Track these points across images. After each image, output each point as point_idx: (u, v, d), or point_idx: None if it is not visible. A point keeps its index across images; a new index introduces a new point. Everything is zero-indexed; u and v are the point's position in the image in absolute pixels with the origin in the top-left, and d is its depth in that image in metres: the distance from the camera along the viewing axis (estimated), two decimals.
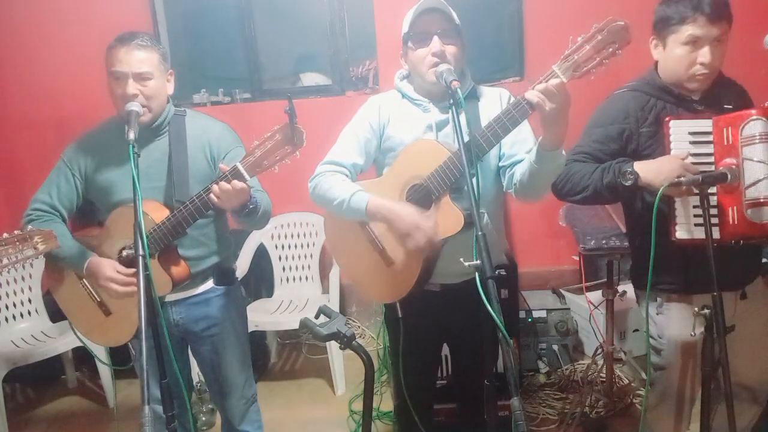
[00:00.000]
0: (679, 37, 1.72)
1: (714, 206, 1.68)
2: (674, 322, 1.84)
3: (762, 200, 1.61)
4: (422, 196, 1.69)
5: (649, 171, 1.68)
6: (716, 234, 1.66)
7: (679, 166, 1.64)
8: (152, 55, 1.80)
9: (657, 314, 1.89)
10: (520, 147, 1.74)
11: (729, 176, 1.60)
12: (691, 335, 1.74)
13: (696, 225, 1.69)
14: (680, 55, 1.73)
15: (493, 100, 1.81)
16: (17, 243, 1.63)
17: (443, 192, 1.65)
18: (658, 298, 1.87)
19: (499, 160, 1.80)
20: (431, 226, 1.62)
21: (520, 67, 3.54)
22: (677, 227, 1.72)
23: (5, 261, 1.64)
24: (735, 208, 1.65)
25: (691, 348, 1.83)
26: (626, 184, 1.69)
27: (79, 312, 1.94)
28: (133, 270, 1.71)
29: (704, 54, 1.70)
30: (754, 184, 1.61)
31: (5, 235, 1.63)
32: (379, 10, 3.46)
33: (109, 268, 1.79)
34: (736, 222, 1.64)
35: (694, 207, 1.69)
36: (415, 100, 1.82)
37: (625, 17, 1.41)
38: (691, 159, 1.69)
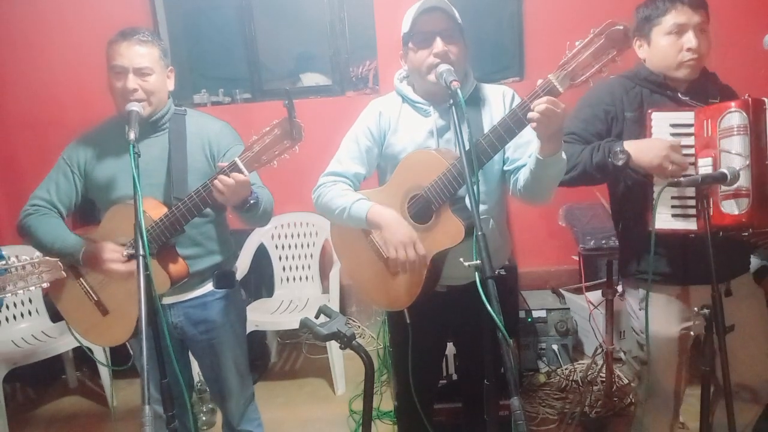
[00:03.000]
0: (662, 27, 1.74)
1: (692, 197, 1.69)
2: (656, 316, 1.85)
3: (736, 191, 1.62)
4: (423, 207, 1.69)
5: (639, 150, 1.68)
6: (693, 225, 1.69)
7: (667, 147, 1.65)
8: (153, 51, 1.80)
9: (639, 309, 1.90)
10: (524, 150, 1.73)
11: (729, 176, 1.60)
12: (685, 330, 1.75)
13: (673, 216, 1.71)
14: (666, 44, 1.75)
15: (496, 101, 1.80)
16: (23, 271, 1.63)
17: (443, 203, 1.64)
18: (640, 289, 1.88)
19: (503, 165, 1.79)
20: (421, 247, 1.63)
21: (520, 67, 3.54)
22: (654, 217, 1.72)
23: (9, 287, 1.64)
24: (711, 199, 1.65)
25: (674, 342, 1.85)
26: (618, 163, 1.68)
27: (76, 311, 1.93)
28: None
29: (689, 39, 1.72)
30: None
31: (13, 260, 1.63)
32: (379, 10, 3.46)
33: (107, 250, 1.76)
34: (712, 213, 1.65)
35: (672, 198, 1.71)
36: (415, 103, 1.80)
37: (624, 17, 1.40)
38: None
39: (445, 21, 1.68)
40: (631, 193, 1.82)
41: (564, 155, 1.58)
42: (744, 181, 1.61)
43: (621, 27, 1.36)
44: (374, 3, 3.46)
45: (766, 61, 2.68)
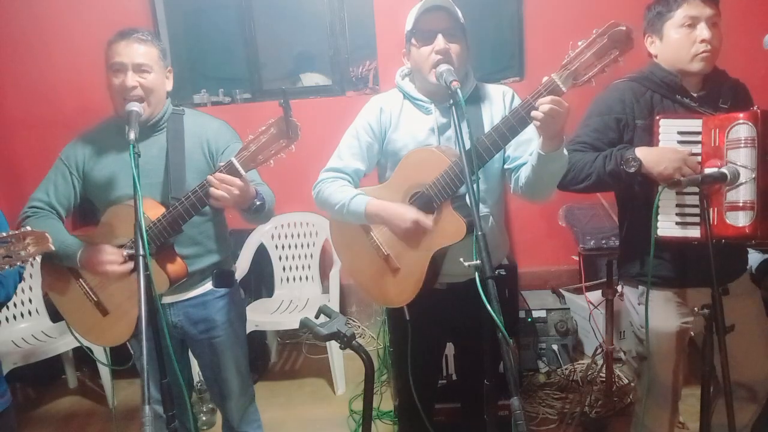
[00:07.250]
0: (675, 21, 1.75)
1: (694, 205, 1.70)
2: (655, 312, 1.85)
3: (741, 204, 1.63)
4: (424, 204, 1.69)
5: (651, 159, 1.69)
6: (696, 233, 1.70)
7: (681, 158, 1.66)
8: (152, 50, 1.80)
9: (638, 304, 1.91)
10: (525, 148, 1.74)
11: (729, 176, 1.61)
12: (684, 325, 1.76)
13: (677, 224, 1.72)
14: (679, 37, 1.75)
15: (496, 100, 1.81)
16: (9, 245, 1.58)
17: (445, 200, 1.65)
18: (640, 286, 1.89)
19: (504, 163, 1.80)
20: (429, 222, 1.63)
21: (520, 67, 3.55)
22: (659, 224, 1.73)
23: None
24: (716, 209, 1.66)
25: (672, 337, 1.86)
26: (629, 170, 1.70)
27: (76, 312, 1.93)
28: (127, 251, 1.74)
29: (702, 30, 1.71)
30: (735, 187, 1.63)
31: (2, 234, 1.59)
32: (379, 10, 3.46)
33: (103, 252, 1.76)
34: (715, 223, 1.66)
35: (677, 206, 1.72)
36: (416, 101, 1.81)
37: (624, 18, 1.40)
38: None
39: (447, 20, 1.70)
40: (637, 197, 1.83)
41: (565, 151, 1.58)
42: (749, 195, 1.62)
43: (623, 28, 1.36)
44: (374, 3, 3.47)
45: (766, 61, 2.68)
